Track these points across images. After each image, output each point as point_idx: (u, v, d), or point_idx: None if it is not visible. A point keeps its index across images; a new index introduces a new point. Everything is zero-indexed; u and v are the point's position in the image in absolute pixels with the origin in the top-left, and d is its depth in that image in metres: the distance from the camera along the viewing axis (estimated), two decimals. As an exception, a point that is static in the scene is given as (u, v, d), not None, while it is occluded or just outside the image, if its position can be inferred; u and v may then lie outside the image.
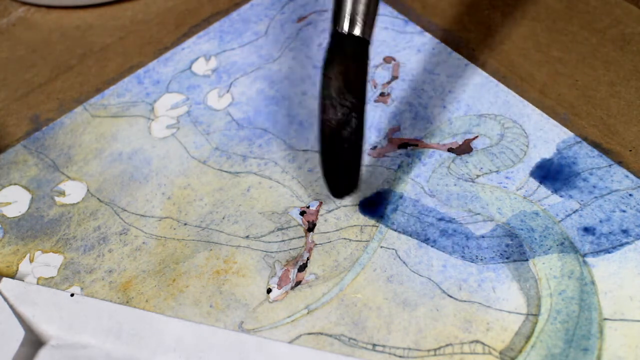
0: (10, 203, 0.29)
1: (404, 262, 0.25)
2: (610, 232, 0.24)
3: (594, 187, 0.26)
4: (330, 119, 0.23)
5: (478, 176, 0.27)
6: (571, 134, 0.27)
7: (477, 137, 0.28)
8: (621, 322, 0.22)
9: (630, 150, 0.27)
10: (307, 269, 0.25)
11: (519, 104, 0.29)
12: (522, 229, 0.25)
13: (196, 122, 0.31)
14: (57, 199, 0.29)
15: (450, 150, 0.28)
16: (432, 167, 0.27)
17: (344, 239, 0.26)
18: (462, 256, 0.24)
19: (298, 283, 0.25)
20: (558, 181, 0.26)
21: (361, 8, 0.23)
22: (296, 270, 0.25)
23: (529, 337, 0.22)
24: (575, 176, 0.26)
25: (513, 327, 0.22)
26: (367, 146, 0.28)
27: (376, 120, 0.29)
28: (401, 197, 0.27)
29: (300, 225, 0.26)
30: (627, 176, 0.26)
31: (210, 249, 0.26)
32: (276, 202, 0.27)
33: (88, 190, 0.29)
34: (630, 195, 0.25)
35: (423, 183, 0.27)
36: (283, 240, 0.26)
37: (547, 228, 0.25)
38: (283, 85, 0.32)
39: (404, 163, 0.28)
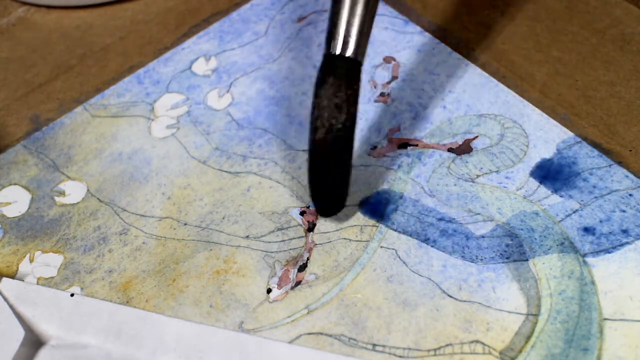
0: (10, 203, 0.29)
1: (404, 262, 0.25)
2: (610, 232, 0.24)
3: (594, 187, 0.26)
4: (320, 139, 0.23)
5: (478, 176, 0.27)
6: (571, 134, 0.27)
7: (477, 137, 0.28)
8: (621, 322, 0.22)
9: (630, 150, 0.27)
10: (307, 269, 0.25)
11: (519, 104, 0.29)
12: (522, 229, 0.25)
13: (196, 122, 0.31)
14: (57, 199, 0.29)
15: (450, 150, 0.28)
16: (432, 167, 0.27)
17: (344, 239, 0.26)
18: (462, 256, 0.24)
19: (298, 283, 0.25)
20: (558, 181, 0.26)
21: (354, 30, 0.24)
22: (296, 270, 0.25)
23: (529, 337, 0.22)
24: (575, 176, 0.26)
25: (513, 327, 0.22)
26: (367, 146, 0.28)
27: (376, 120, 0.29)
28: (401, 197, 0.27)
29: (300, 225, 0.26)
30: (627, 176, 0.26)
31: (210, 249, 0.26)
32: (276, 202, 0.27)
33: (88, 190, 0.29)
34: (630, 195, 0.25)
35: (423, 183, 0.27)
36: (283, 240, 0.26)
37: (547, 228, 0.25)
38: (283, 85, 0.32)
39: (404, 163, 0.28)
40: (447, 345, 0.22)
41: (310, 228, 0.26)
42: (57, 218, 0.28)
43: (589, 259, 0.24)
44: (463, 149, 0.28)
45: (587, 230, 0.25)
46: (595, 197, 0.25)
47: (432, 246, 0.25)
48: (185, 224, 0.27)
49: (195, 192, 0.28)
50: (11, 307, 0.25)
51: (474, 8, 0.33)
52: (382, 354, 0.22)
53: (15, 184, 0.29)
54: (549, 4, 0.33)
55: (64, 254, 0.27)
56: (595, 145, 0.27)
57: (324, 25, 0.34)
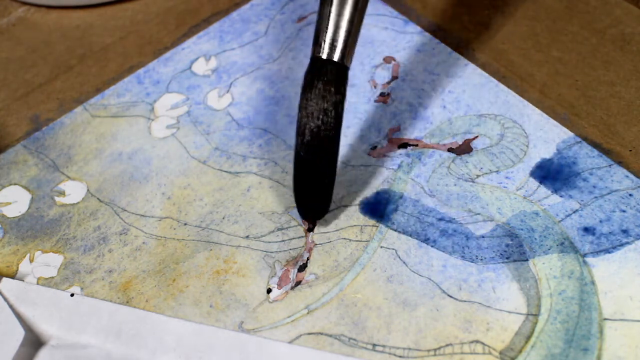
0: (10, 203, 0.29)
1: (404, 262, 0.25)
2: (610, 232, 0.24)
3: (594, 187, 0.26)
4: (306, 142, 0.23)
5: (478, 176, 0.27)
6: (571, 134, 0.27)
7: (477, 137, 0.28)
8: (621, 322, 0.22)
9: (630, 150, 0.27)
10: (307, 269, 0.25)
11: (519, 104, 0.29)
12: (522, 229, 0.25)
13: (196, 122, 0.31)
14: (57, 199, 0.29)
15: (450, 150, 0.28)
16: (432, 167, 0.27)
17: (344, 239, 0.26)
18: (462, 256, 0.24)
19: (298, 283, 0.25)
20: (558, 181, 0.26)
21: (342, 34, 0.24)
22: (296, 270, 0.25)
23: (529, 337, 0.22)
24: (575, 176, 0.26)
25: (513, 327, 0.22)
26: (367, 146, 0.28)
27: (376, 120, 0.29)
28: (401, 197, 0.27)
29: (300, 225, 0.26)
30: (627, 176, 0.26)
31: (210, 249, 0.26)
32: (276, 202, 0.27)
33: (88, 190, 0.29)
34: (630, 195, 0.25)
35: (423, 183, 0.27)
36: (283, 240, 0.26)
37: (547, 228, 0.25)
38: (283, 85, 0.32)
39: (404, 163, 0.28)
40: (447, 345, 0.22)
41: (310, 228, 0.26)
42: (57, 218, 0.28)
43: (589, 259, 0.24)
44: (463, 149, 0.28)
45: (587, 230, 0.25)
46: (595, 197, 0.25)
47: (432, 246, 0.25)
48: (185, 224, 0.27)
49: (195, 192, 0.28)
50: (11, 307, 0.25)
51: (474, 8, 0.33)
52: (382, 354, 0.22)
53: (15, 184, 0.29)
54: (549, 4, 0.33)
55: (64, 254, 0.27)
56: (595, 145, 0.27)
57: (324, 25, 0.34)
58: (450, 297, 0.24)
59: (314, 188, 0.25)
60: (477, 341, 0.22)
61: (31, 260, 0.27)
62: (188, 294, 0.25)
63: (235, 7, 0.36)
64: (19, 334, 0.24)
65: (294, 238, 0.26)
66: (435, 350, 0.22)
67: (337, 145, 0.24)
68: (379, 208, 0.26)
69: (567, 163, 0.27)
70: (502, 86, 0.30)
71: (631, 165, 0.26)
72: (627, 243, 0.24)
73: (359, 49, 0.32)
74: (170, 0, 0.37)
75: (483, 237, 0.25)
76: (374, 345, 0.23)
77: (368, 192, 0.27)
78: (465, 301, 0.23)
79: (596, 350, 0.22)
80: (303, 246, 0.26)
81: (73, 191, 0.29)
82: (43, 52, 0.35)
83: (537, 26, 0.32)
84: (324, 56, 0.24)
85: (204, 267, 0.26)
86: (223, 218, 0.27)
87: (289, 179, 0.28)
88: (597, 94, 0.29)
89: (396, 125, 0.29)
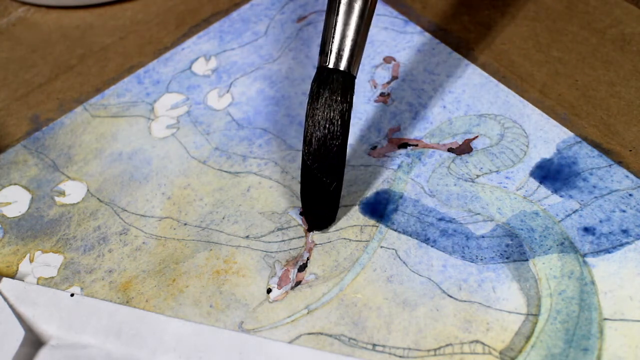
0: (10, 203, 0.29)
1: (404, 262, 0.25)
2: (610, 232, 0.24)
3: (594, 187, 0.26)
4: (313, 151, 0.23)
5: (478, 176, 0.27)
6: (571, 134, 0.27)
7: (477, 137, 0.28)
8: (621, 322, 0.22)
9: (630, 150, 0.27)
10: (307, 269, 0.25)
11: (519, 104, 0.29)
12: (522, 229, 0.25)
13: (196, 122, 0.31)
14: (57, 199, 0.29)
15: (450, 150, 0.28)
16: (432, 167, 0.27)
17: (344, 239, 0.26)
18: (462, 256, 0.24)
19: (298, 283, 0.25)
20: (558, 181, 0.26)
21: (348, 43, 0.24)
22: (296, 270, 0.25)
23: (529, 337, 0.22)
24: (575, 176, 0.26)
25: (513, 327, 0.22)
26: (367, 146, 0.28)
27: (376, 120, 0.29)
28: (401, 197, 0.27)
29: (300, 225, 0.26)
30: (627, 176, 0.26)
31: (210, 249, 0.26)
32: (276, 202, 0.27)
33: (88, 190, 0.29)
34: (630, 195, 0.25)
35: (423, 183, 0.27)
36: (283, 240, 0.26)
37: (547, 228, 0.25)
38: (283, 85, 0.32)
39: (404, 163, 0.28)
40: (447, 345, 0.22)
41: (310, 228, 0.26)
42: (57, 218, 0.28)
43: (589, 259, 0.24)
44: (463, 149, 0.28)
45: (587, 230, 0.25)
46: (595, 197, 0.25)
47: (432, 246, 0.25)
48: (185, 224, 0.27)
49: (195, 192, 0.28)
50: (11, 307, 0.25)
51: (474, 8, 0.33)
52: (382, 354, 0.22)
53: (15, 184, 0.29)
54: (549, 4, 0.33)
55: (64, 254, 0.27)
56: (595, 145, 0.27)
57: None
58: (450, 297, 0.24)
59: (321, 197, 0.25)
60: (477, 341, 0.22)
61: (31, 260, 0.27)
62: (188, 294, 0.25)
63: (235, 7, 0.36)
64: (19, 334, 0.24)
65: (294, 238, 0.26)
66: (435, 350, 0.22)
67: (344, 154, 0.24)
68: (379, 208, 0.26)
69: (567, 163, 0.27)
70: (502, 86, 0.30)
71: (631, 165, 0.26)
72: (627, 243, 0.24)
73: (359, 49, 0.32)
74: (170, 0, 0.37)
75: (483, 237, 0.25)
76: (374, 345, 0.23)
77: (368, 192, 0.27)
78: (465, 301, 0.23)
79: (596, 350, 0.22)
80: (303, 246, 0.26)
81: (73, 191, 0.29)
82: (43, 52, 0.35)
83: (537, 26, 0.32)
84: (331, 65, 0.24)
85: (204, 267, 0.26)
86: (223, 218, 0.27)
87: (289, 179, 0.28)
88: (597, 94, 0.29)
89: (396, 125, 0.29)
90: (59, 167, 0.30)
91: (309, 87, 0.31)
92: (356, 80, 0.31)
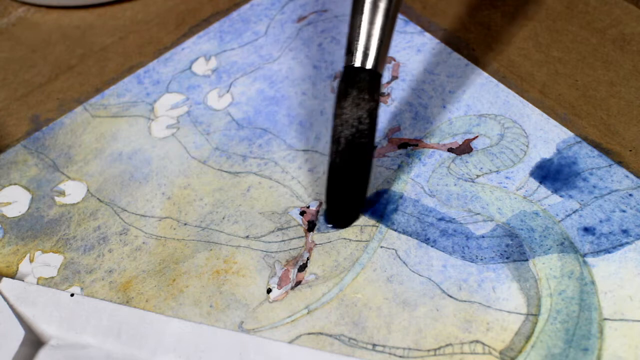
0: (10, 203, 0.29)
1: (404, 262, 0.25)
2: (610, 232, 0.24)
3: (594, 187, 0.26)
4: (341, 150, 0.24)
5: (478, 176, 0.27)
6: (571, 134, 0.27)
7: (477, 137, 0.28)
8: (621, 322, 0.22)
9: (630, 150, 0.27)
10: (307, 269, 0.25)
11: (519, 104, 0.29)
12: (522, 229, 0.25)
13: (196, 122, 0.31)
14: (57, 199, 0.29)
15: (450, 150, 0.28)
16: (432, 167, 0.27)
17: (344, 239, 0.26)
18: (462, 256, 0.24)
19: (298, 283, 0.25)
20: (558, 181, 0.26)
21: (374, 42, 0.24)
22: (296, 270, 0.25)
23: (529, 337, 0.22)
24: (575, 176, 0.26)
25: (513, 327, 0.22)
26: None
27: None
28: (401, 197, 0.27)
29: (300, 225, 0.26)
30: (627, 176, 0.26)
31: (210, 249, 0.26)
32: (276, 202, 0.27)
33: (88, 190, 0.29)
34: (630, 195, 0.25)
35: (423, 183, 0.27)
36: (283, 240, 0.26)
37: (547, 228, 0.25)
38: (283, 85, 0.32)
39: (404, 163, 0.28)
40: (447, 345, 0.22)
41: (310, 228, 0.26)
42: (57, 218, 0.28)
43: (589, 259, 0.24)
44: (463, 149, 0.28)
45: (587, 230, 0.25)
46: (595, 197, 0.25)
47: (432, 246, 0.25)
48: (185, 224, 0.27)
49: (195, 192, 0.28)
50: (11, 307, 0.25)
51: (474, 8, 0.33)
52: (382, 354, 0.22)
53: (15, 184, 0.29)
54: (549, 4, 0.33)
55: (64, 254, 0.27)
56: (595, 145, 0.27)
57: (324, 25, 0.34)
58: (450, 297, 0.24)
59: (349, 195, 0.25)
60: (477, 341, 0.22)
61: (31, 260, 0.27)
62: (188, 294, 0.25)
63: (235, 7, 0.36)
64: (19, 334, 0.24)
65: (294, 238, 0.26)
66: (435, 350, 0.22)
67: (372, 151, 0.24)
68: (379, 208, 0.26)
69: (567, 163, 0.27)
70: (502, 86, 0.30)
71: (631, 165, 0.26)
72: (627, 243, 0.24)
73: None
74: (170, 0, 0.37)
75: (483, 237, 0.25)
76: (374, 345, 0.23)
77: (368, 192, 0.27)
78: (465, 301, 0.23)
79: (596, 350, 0.22)
80: (303, 246, 0.26)
81: (73, 191, 0.29)
82: (43, 52, 0.35)
83: (537, 26, 0.32)
84: (357, 64, 0.24)
85: (204, 267, 0.26)
86: (223, 218, 0.27)
87: (289, 179, 0.28)
88: (597, 94, 0.29)
89: (396, 125, 0.29)
90: (59, 167, 0.30)
91: (309, 87, 0.31)
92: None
